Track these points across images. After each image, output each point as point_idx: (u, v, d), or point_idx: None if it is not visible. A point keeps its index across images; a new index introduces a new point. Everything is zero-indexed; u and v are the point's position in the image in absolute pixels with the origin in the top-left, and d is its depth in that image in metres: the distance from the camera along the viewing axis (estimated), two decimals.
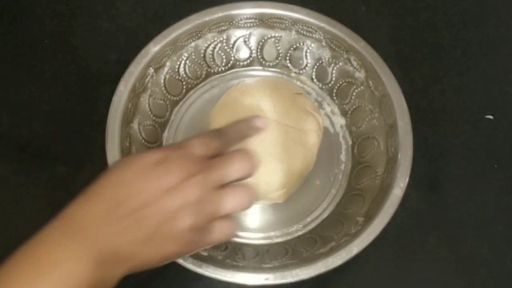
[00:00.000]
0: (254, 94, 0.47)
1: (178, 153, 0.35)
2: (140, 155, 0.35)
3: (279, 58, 0.54)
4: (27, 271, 0.30)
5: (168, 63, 0.50)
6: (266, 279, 0.38)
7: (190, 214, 0.33)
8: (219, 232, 0.35)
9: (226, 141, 0.38)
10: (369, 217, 0.42)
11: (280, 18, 0.51)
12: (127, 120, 0.46)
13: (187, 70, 0.52)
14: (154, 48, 0.48)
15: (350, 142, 0.50)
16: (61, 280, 0.30)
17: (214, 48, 0.53)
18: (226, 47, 0.53)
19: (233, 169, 0.36)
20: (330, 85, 0.52)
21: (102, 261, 0.31)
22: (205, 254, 0.41)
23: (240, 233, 0.45)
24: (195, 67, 0.52)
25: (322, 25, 0.50)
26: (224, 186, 0.35)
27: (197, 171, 0.34)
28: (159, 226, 0.32)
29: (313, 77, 0.53)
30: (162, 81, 0.50)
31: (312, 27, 0.51)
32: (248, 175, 0.37)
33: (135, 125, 0.47)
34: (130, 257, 0.32)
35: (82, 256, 0.30)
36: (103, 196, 0.33)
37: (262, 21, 0.52)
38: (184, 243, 0.34)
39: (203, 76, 0.53)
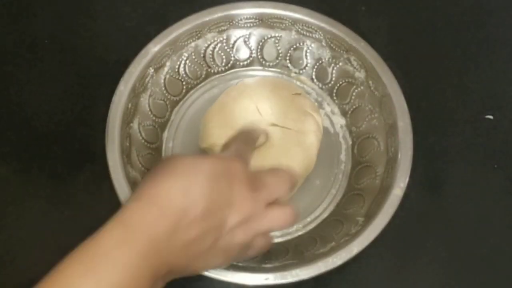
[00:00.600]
0: (252, 95, 0.47)
1: (241, 167, 0.34)
2: (201, 162, 0.33)
3: (279, 58, 0.54)
4: (84, 282, 0.28)
5: (168, 63, 0.50)
6: (266, 279, 0.38)
7: (243, 232, 0.34)
8: (258, 247, 0.36)
9: (251, 149, 0.41)
10: (369, 217, 0.42)
11: (280, 18, 0.51)
12: (127, 120, 0.46)
13: (187, 70, 0.52)
14: (154, 48, 0.48)
15: (350, 142, 0.50)
16: None
17: (214, 48, 0.53)
18: (226, 47, 0.53)
19: (281, 188, 0.36)
20: (330, 85, 0.52)
21: (157, 275, 0.30)
22: None
23: None
24: (195, 67, 0.52)
25: (322, 25, 0.50)
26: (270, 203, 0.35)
27: (253, 187, 0.34)
28: (216, 241, 0.32)
29: (313, 77, 0.53)
30: (162, 81, 0.50)
31: (312, 27, 0.51)
32: (290, 191, 0.37)
33: (135, 125, 0.47)
34: (182, 270, 0.33)
35: (140, 269, 0.29)
36: (169, 205, 0.30)
37: (262, 21, 0.52)
38: (230, 258, 0.35)
39: (203, 76, 0.53)
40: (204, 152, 0.47)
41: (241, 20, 0.52)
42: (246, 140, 0.41)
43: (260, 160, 0.44)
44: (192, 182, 0.31)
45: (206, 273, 0.38)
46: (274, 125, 0.46)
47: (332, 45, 0.51)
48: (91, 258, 0.28)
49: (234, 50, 0.53)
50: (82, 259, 0.28)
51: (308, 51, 0.53)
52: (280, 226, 0.37)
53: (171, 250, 0.30)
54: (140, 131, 0.47)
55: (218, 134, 0.45)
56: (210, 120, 0.47)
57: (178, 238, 0.30)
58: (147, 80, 0.48)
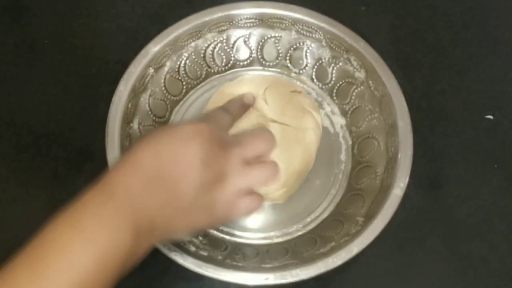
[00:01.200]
0: (248, 92, 0.47)
1: (210, 127, 0.36)
2: (176, 126, 0.36)
3: (279, 58, 0.54)
4: (69, 237, 0.30)
5: (168, 63, 0.50)
6: (266, 279, 0.38)
7: (220, 188, 0.35)
8: (245, 208, 0.37)
9: (233, 116, 0.42)
10: (369, 217, 0.42)
11: (280, 18, 0.51)
12: (127, 120, 0.46)
13: (187, 70, 0.52)
14: (154, 48, 0.48)
15: (350, 142, 0.50)
16: (102, 246, 0.30)
17: (214, 48, 0.53)
18: (226, 47, 0.53)
19: (257, 145, 0.38)
20: (330, 85, 0.52)
21: (139, 231, 0.31)
22: (205, 254, 0.41)
23: (240, 233, 0.45)
24: (195, 67, 0.52)
25: (322, 25, 0.50)
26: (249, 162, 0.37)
27: (226, 145, 0.36)
28: (195, 198, 0.34)
29: (313, 77, 0.53)
30: (162, 81, 0.50)
31: (312, 27, 0.51)
32: (270, 150, 0.39)
33: (135, 125, 0.47)
34: (162, 227, 0.33)
35: (122, 225, 0.31)
36: (143, 166, 0.33)
37: (262, 21, 0.52)
38: (213, 217, 0.35)
39: (203, 76, 0.53)
40: None
41: (241, 20, 0.52)
42: (224, 109, 0.43)
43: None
44: (162, 146, 0.34)
45: (206, 273, 0.38)
46: (273, 121, 0.46)
47: (332, 45, 0.51)
48: (79, 217, 0.31)
49: (234, 50, 0.53)
50: (71, 220, 0.31)
51: (308, 51, 0.53)
52: (259, 181, 0.37)
53: (148, 207, 0.32)
54: (140, 131, 0.47)
55: None
56: None
57: (153, 194, 0.33)
58: (147, 80, 0.49)
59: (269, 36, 0.53)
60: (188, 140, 0.34)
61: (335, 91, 0.52)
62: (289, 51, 0.53)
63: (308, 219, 0.46)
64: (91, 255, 0.29)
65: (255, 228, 0.46)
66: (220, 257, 0.41)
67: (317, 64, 0.53)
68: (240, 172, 0.36)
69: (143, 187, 0.32)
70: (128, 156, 0.34)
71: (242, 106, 0.45)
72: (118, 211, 0.31)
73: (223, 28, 0.52)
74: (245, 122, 0.45)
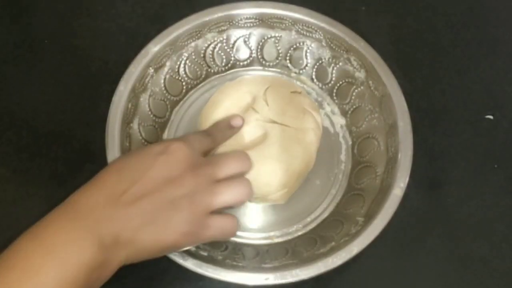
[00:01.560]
0: (248, 92, 0.47)
1: (179, 146, 0.36)
2: (143, 147, 0.37)
3: (279, 58, 0.54)
4: (33, 252, 0.31)
5: (168, 63, 0.50)
6: (266, 279, 0.38)
7: (187, 204, 0.34)
8: (216, 228, 0.36)
9: (214, 140, 0.42)
10: (369, 217, 0.42)
11: (280, 18, 0.51)
12: (127, 120, 0.46)
13: (187, 70, 0.52)
14: (154, 48, 0.48)
15: (350, 142, 0.50)
16: (65, 260, 0.30)
17: (214, 48, 0.53)
18: (226, 47, 0.53)
19: (229, 165, 0.38)
20: (330, 85, 0.52)
21: (103, 244, 0.32)
22: (205, 254, 0.41)
23: (240, 233, 0.45)
24: (195, 67, 0.52)
25: (322, 25, 0.50)
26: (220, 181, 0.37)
27: (196, 164, 0.36)
28: (158, 213, 0.34)
29: (313, 77, 0.53)
30: (162, 81, 0.50)
31: (312, 27, 0.51)
32: (244, 173, 0.39)
33: (135, 125, 0.47)
34: (129, 243, 0.33)
35: (85, 238, 0.31)
36: (106, 183, 0.35)
37: (262, 21, 0.52)
38: (180, 233, 0.35)
39: (203, 76, 0.53)
40: None
41: (241, 20, 0.52)
42: (206, 133, 0.43)
43: (260, 157, 0.44)
44: (126, 164, 0.36)
45: (206, 273, 0.38)
46: (273, 122, 0.46)
47: (332, 45, 0.51)
48: (42, 233, 0.32)
49: (234, 50, 0.53)
50: (35, 236, 0.32)
51: (308, 51, 0.53)
52: (230, 199, 0.37)
53: (111, 220, 0.33)
54: (140, 131, 0.47)
55: None
56: (205, 119, 0.47)
57: (115, 210, 0.33)
58: (147, 80, 0.49)
59: (269, 36, 0.53)
60: (155, 158, 0.35)
61: (335, 91, 0.52)
62: (289, 51, 0.53)
63: (308, 219, 0.46)
64: (56, 270, 0.30)
65: (255, 228, 0.46)
66: (220, 257, 0.41)
67: (317, 64, 0.53)
68: (207, 190, 0.36)
69: (105, 202, 0.33)
70: (94, 177, 0.36)
71: (227, 129, 0.44)
72: (79, 226, 0.32)
73: (223, 28, 0.52)
74: (246, 124, 0.45)
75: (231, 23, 0.52)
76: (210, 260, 0.39)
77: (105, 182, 0.35)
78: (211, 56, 0.53)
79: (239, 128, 0.44)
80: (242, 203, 0.39)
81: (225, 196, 0.36)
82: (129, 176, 0.34)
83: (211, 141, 0.41)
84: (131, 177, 0.34)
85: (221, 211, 0.38)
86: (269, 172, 0.44)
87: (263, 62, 0.54)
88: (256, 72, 0.54)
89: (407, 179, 0.43)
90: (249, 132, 0.45)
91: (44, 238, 0.31)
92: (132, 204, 0.33)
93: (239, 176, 0.39)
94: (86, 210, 0.33)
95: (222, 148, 0.44)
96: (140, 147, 0.40)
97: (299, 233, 0.45)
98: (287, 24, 0.52)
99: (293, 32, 0.52)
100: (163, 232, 0.34)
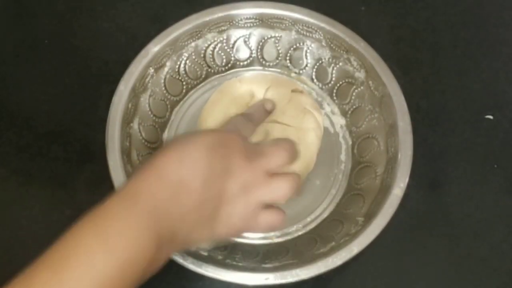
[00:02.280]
0: (248, 91, 0.47)
1: (233, 138, 0.36)
2: (201, 134, 0.35)
3: (279, 58, 0.54)
4: (90, 244, 0.29)
5: (168, 63, 0.50)
6: (266, 279, 0.38)
7: (243, 201, 0.34)
8: (266, 223, 0.36)
9: (255, 124, 0.43)
10: (369, 217, 0.42)
11: (280, 18, 0.51)
12: (127, 120, 0.46)
13: (187, 70, 0.52)
14: (154, 48, 0.48)
15: (350, 142, 0.50)
16: (123, 254, 0.29)
17: (214, 48, 0.53)
18: (226, 47, 0.53)
19: (281, 155, 0.37)
20: (330, 85, 0.52)
21: (161, 241, 0.31)
22: (205, 254, 0.41)
23: None
24: (195, 67, 0.52)
25: (322, 25, 0.50)
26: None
27: (251, 155, 0.35)
28: (217, 210, 0.33)
29: (313, 77, 0.53)
30: (162, 81, 0.50)
31: (312, 27, 0.51)
32: (293, 161, 0.38)
33: (135, 125, 0.47)
34: (184, 236, 0.33)
35: (144, 233, 0.30)
36: (166, 174, 0.32)
37: (262, 21, 0.52)
38: (234, 229, 0.35)
39: (203, 76, 0.53)
40: None
41: (241, 20, 0.52)
42: (247, 117, 0.43)
43: None
44: (187, 153, 0.33)
45: (206, 273, 0.38)
46: (273, 121, 0.46)
47: (332, 45, 0.51)
48: (101, 224, 0.30)
49: (234, 50, 0.53)
50: (93, 226, 0.30)
51: (308, 51, 0.53)
52: (282, 194, 0.36)
53: (171, 216, 0.32)
54: (140, 131, 0.47)
55: None
56: (205, 119, 0.47)
57: (177, 204, 0.32)
58: (147, 80, 0.49)
59: (269, 36, 0.53)
60: (214, 150, 0.34)
61: (335, 91, 0.52)
62: (289, 51, 0.53)
63: (308, 219, 0.46)
64: (112, 263, 0.29)
65: None
66: (220, 257, 0.41)
67: (317, 64, 0.53)
68: (263, 183, 0.35)
69: (166, 195, 0.32)
70: (150, 163, 0.33)
71: (264, 112, 0.45)
72: (140, 219, 0.30)
73: (223, 28, 0.52)
74: None
75: (231, 23, 0.52)
76: (210, 260, 0.39)
77: (165, 173, 0.32)
78: (211, 56, 0.53)
79: (271, 112, 0.46)
80: (291, 198, 0.38)
81: (279, 190, 0.36)
82: (190, 169, 0.33)
83: (253, 125, 0.42)
84: (193, 171, 0.33)
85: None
86: None
87: (263, 62, 0.54)
88: (256, 72, 0.54)
89: (407, 179, 0.43)
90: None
91: (103, 232, 0.30)
92: (194, 200, 0.32)
93: (288, 169, 0.38)
94: (147, 201, 0.31)
95: None
96: (193, 134, 0.36)
97: (299, 233, 0.45)
98: (287, 24, 0.52)
99: (293, 32, 0.52)
100: (218, 228, 0.34)
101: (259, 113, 0.44)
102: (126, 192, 0.32)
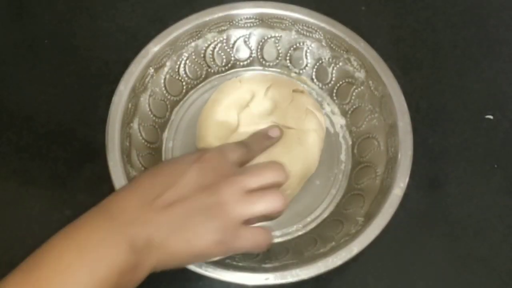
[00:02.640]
0: (248, 91, 0.47)
1: (215, 155, 0.37)
2: (180, 156, 0.38)
3: (279, 58, 0.54)
4: (66, 251, 0.31)
5: (168, 63, 0.50)
6: (266, 279, 0.38)
7: (219, 213, 0.34)
8: (248, 239, 0.36)
9: (250, 150, 0.41)
10: (369, 217, 0.42)
11: (280, 18, 0.51)
12: (127, 120, 0.46)
13: (187, 70, 0.52)
14: (154, 48, 0.48)
15: (350, 142, 0.50)
16: (97, 261, 0.31)
17: (214, 48, 0.53)
18: (226, 47, 0.53)
19: (265, 176, 0.37)
20: (330, 85, 0.52)
21: (135, 247, 0.32)
22: None
23: None
24: (195, 67, 0.52)
25: (322, 25, 0.50)
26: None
27: (229, 173, 0.36)
28: (189, 219, 0.34)
29: (313, 77, 0.53)
30: (162, 81, 0.50)
31: (312, 27, 0.51)
32: (279, 184, 0.38)
33: (135, 125, 0.47)
34: (161, 247, 0.33)
35: (118, 240, 0.32)
36: (140, 187, 0.36)
37: (262, 21, 0.52)
38: (213, 241, 0.34)
39: (203, 76, 0.53)
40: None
41: (241, 20, 0.52)
42: (243, 144, 0.42)
43: (261, 160, 0.44)
44: (161, 170, 0.37)
45: (206, 273, 0.38)
46: (274, 123, 0.46)
47: (332, 45, 0.51)
48: (77, 235, 0.32)
49: (234, 50, 0.53)
50: (69, 237, 0.32)
51: (308, 51, 0.53)
52: (261, 210, 0.36)
53: (145, 224, 0.33)
54: (140, 131, 0.47)
55: (213, 134, 0.45)
56: (205, 119, 0.47)
57: (149, 214, 0.33)
58: (147, 80, 0.48)
59: (269, 36, 0.53)
60: (189, 165, 0.36)
61: (335, 91, 0.52)
62: (289, 51, 0.53)
63: (308, 219, 0.46)
64: (87, 269, 0.30)
65: None
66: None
67: (317, 64, 0.53)
68: (240, 199, 0.35)
69: (139, 205, 0.34)
70: (130, 181, 0.37)
71: (265, 139, 0.44)
72: (112, 227, 0.32)
73: (223, 28, 0.52)
74: (246, 125, 0.45)
75: (231, 23, 0.52)
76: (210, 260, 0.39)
77: (140, 185, 0.36)
78: (211, 56, 0.53)
79: (277, 138, 0.44)
80: (277, 215, 0.38)
81: (258, 206, 0.36)
82: (163, 181, 0.35)
83: (247, 152, 0.41)
84: (165, 182, 0.35)
85: (258, 222, 0.38)
86: None
87: (263, 62, 0.54)
88: (256, 72, 0.54)
89: (407, 179, 0.43)
90: (250, 132, 0.45)
91: (77, 238, 0.32)
92: (165, 208, 0.34)
93: (274, 187, 0.38)
94: (120, 212, 0.33)
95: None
96: (177, 157, 0.41)
97: (299, 233, 0.45)
98: (287, 24, 0.52)
99: (293, 32, 0.52)
100: (194, 238, 0.34)
101: (257, 140, 0.43)
102: (102, 206, 0.34)
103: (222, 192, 0.35)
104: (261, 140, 0.43)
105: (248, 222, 0.37)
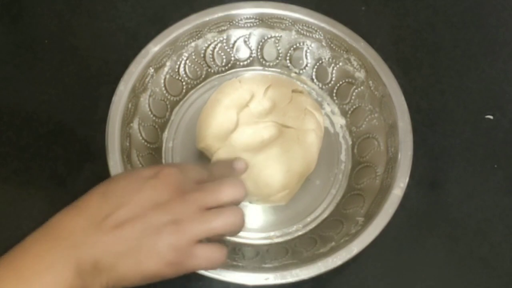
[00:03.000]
0: (248, 91, 0.47)
1: (170, 171, 0.35)
2: (134, 170, 0.35)
3: (279, 58, 0.54)
4: (11, 279, 0.29)
5: (168, 63, 0.50)
6: (266, 279, 0.38)
7: (172, 232, 0.33)
8: (203, 258, 0.34)
9: (211, 175, 0.39)
10: (369, 217, 0.42)
11: (280, 18, 0.51)
12: (127, 120, 0.46)
13: (187, 70, 0.52)
14: (154, 48, 0.48)
15: (350, 142, 0.50)
16: (42, 287, 0.29)
17: (214, 48, 0.53)
18: (226, 47, 0.53)
19: (223, 193, 0.35)
20: (330, 85, 0.52)
21: (81, 270, 0.31)
22: None
23: (240, 233, 0.45)
24: (195, 67, 0.52)
25: (322, 25, 0.50)
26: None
27: (186, 190, 0.34)
28: (140, 240, 0.32)
29: (313, 77, 0.53)
30: (162, 81, 0.50)
31: (312, 27, 0.51)
32: (237, 201, 0.36)
33: (135, 125, 0.47)
34: (109, 269, 0.32)
35: (63, 264, 0.30)
36: (89, 206, 0.33)
37: (262, 21, 0.52)
38: (164, 262, 0.33)
39: (203, 76, 0.53)
40: (201, 152, 0.47)
41: (241, 20, 0.52)
42: (208, 167, 0.41)
43: (260, 159, 0.44)
44: (112, 186, 0.34)
45: (206, 273, 0.38)
46: (273, 122, 0.46)
47: (332, 45, 0.51)
48: (20, 260, 0.30)
49: (234, 50, 0.53)
50: (12, 262, 0.30)
51: (308, 51, 0.53)
52: (218, 228, 0.34)
53: (92, 246, 0.31)
54: (140, 131, 0.47)
55: (213, 135, 0.45)
56: (204, 119, 0.47)
57: (96, 235, 0.32)
58: (147, 80, 0.49)
59: (269, 36, 0.53)
60: (144, 182, 0.34)
61: (335, 91, 0.52)
62: (289, 51, 0.53)
63: (308, 219, 0.46)
64: None
65: (255, 228, 0.46)
66: None
67: (317, 64, 0.53)
68: (195, 217, 0.34)
69: (86, 226, 0.32)
70: (77, 199, 0.34)
71: (228, 169, 0.42)
72: (57, 251, 0.31)
73: (223, 28, 0.52)
74: (246, 125, 0.45)
75: (231, 23, 0.52)
76: None
77: (88, 205, 0.33)
78: (211, 56, 0.53)
79: (241, 172, 0.43)
80: (234, 233, 0.36)
81: (214, 224, 0.34)
82: (114, 199, 0.33)
83: (208, 175, 0.39)
84: (117, 201, 0.33)
85: (217, 240, 0.36)
86: (269, 174, 0.44)
87: (263, 62, 0.54)
88: (256, 72, 0.54)
89: (407, 179, 0.43)
90: (249, 132, 0.45)
91: (20, 265, 0.30)
92: (115, 229, 0.32)
93: (232, 205, 0.36)
94: (66, 234, 0.32)
95: (223, 149, 0.44)
96: (130, 170, 0.38)
97: (299, 233, 0.45)
98: (287, 24, 0.52)
99: (293, 32, 0.52)
100: (145, 260, 0.32)
101: (220, 168, 0.42)
102: (46, 227, 0.32)
103: (177, 210, 0.33)
104: (224, 169, 0.42)
105: (208, 239, 0.35)
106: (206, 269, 0.37)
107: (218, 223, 0.34)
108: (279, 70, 0.54)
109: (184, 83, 0.52)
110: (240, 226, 0.35)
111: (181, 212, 0.33)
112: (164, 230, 0.32)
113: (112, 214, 0.32)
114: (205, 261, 0.34)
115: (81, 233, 0.32)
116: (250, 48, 0.53)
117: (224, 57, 0.53)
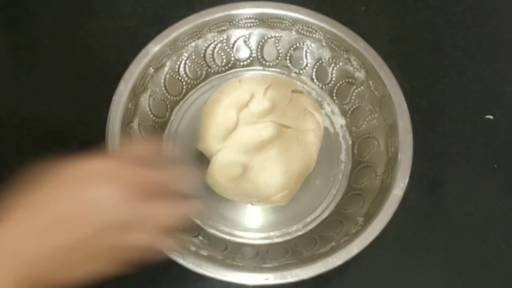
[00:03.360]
0: (247, 91, 0.47)
1: (117, 167, 0.33)
2: (82, 163, 0.34)
3: (279, 58, 0.54)
4: None
5: (168, 63, 0.50)
6: (266, 279, 0.38)
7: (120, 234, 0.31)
8: (134, 244, 0.32)
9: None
10: (369, 217, 0.42)
11: (280, 18, 0.51)
12: (127, 120, 0.46)
13: (187, 70, 0.52)
14: (154, 48, 0.48)
15: (350, 142, 0.50)
16: None
17: (214, 48, 0.53)
18: (226, 47, 0.53)
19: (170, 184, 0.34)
20: (330, 85, 0.52)
21: (28, 278, 0.30)
22: (205, 254, 0.41)
23: (240, 233, 0.45)
24: (195, 67, 0.52)
25: (322, 25, 0.50)
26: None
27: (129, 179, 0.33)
28: (78, 241, 0.31)
29: (313, 77, 0.53)
30: (162, 81, 0.50)
31: (312, 27, 0.51)
32: (187, 187, 0.35)
33: (135, 125, 0.47)
34: (61, 277, 0.31)
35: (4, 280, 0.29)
36: (35, 216, 0.32)
37: (262, 21, 0.52)
38: (105, 260, 0.32)
39: (203, 76, 0.53)
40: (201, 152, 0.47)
41: (241, 20, 0.52)
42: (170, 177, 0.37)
43: (260, 159, 0.44)
44: (61, 188, 0.33)
45: (206, 273, 0.38)
46: (272, 122, 0.46)
47: (332, 45, 0.51)
48: None
49: (234, 50, 0.53)
50: None
51: (308, 51, 0.53)
52: (155, 221, 0.33)
53: (41, 258, 0.30)
54: (140, 131, 0.47)
55: (213, 135, 0.45)
56: (204, 119, 0.47)
57: (46, 240, 0.30)
58: (147, 80, 0.48)
59: (269, 36, 0.53)
60: (94, 182, 0.33)
61: (335, 91, 0.52)
62: (289, 51, 0.53)
63: (308, 219, 0.46)
64: None
65: (255, 228, 0.46)
66: (220, 257, 0.41)
67: (317, 64, 0.53)
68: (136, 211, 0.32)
69: (34, 238, 0.31)
70: (22, 201, 0.32)
71: (175, 181, 0.37)
72: (7, 272, 0.29)
73: (223, 28, 0.52)
74: (245, 125, 0.45)
75: (231, 23, 0.52)
76: (210, 260, 0.39)
77: (32, 211, 0.32)
78: (211, 56, 0.53)
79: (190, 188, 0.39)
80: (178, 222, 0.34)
81: (153, 216, 0.32)
82: (66, 207, 0.32)
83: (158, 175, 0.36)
84: (59, 207, 0.32)
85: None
86: (268, 174, 0.44)
87: (263, 62, 0.54)
88: (256, 72, 0.54)
89: (407, 179, 0.43)
90: (249, 132, 0.45)
91: None
92: (63, 234, 0.31)
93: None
94: (9, 249, 0.30)
95: (223, 150, 0.44)
96: (70, 161, 0.36)
97: (299, 233, 0.45)
98: (287, 24, 0.52)
99: (293, 32, 0.52)
100: (83, 263, 0.31)
101: (170, 179, 0.37)
102: None
103: (121, 212, 0.32)
104: (174, 179, 0.37)
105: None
106: (138, 255, 0.34)
107: (158, 216, 0.32)
108: (279, 70, 0.54)
109: (184, 83, 0.52)
110: (178, 214, 0.33)
111: (127, 214, 0.32)
112: (111, 234, 0.31)
113: (49, 213, 0.31)
114: (135, 246, 0.33)
115: (28, 248, 0.30)
116: (250, 48, 0.53)
117: (224, 57, 0.53)
